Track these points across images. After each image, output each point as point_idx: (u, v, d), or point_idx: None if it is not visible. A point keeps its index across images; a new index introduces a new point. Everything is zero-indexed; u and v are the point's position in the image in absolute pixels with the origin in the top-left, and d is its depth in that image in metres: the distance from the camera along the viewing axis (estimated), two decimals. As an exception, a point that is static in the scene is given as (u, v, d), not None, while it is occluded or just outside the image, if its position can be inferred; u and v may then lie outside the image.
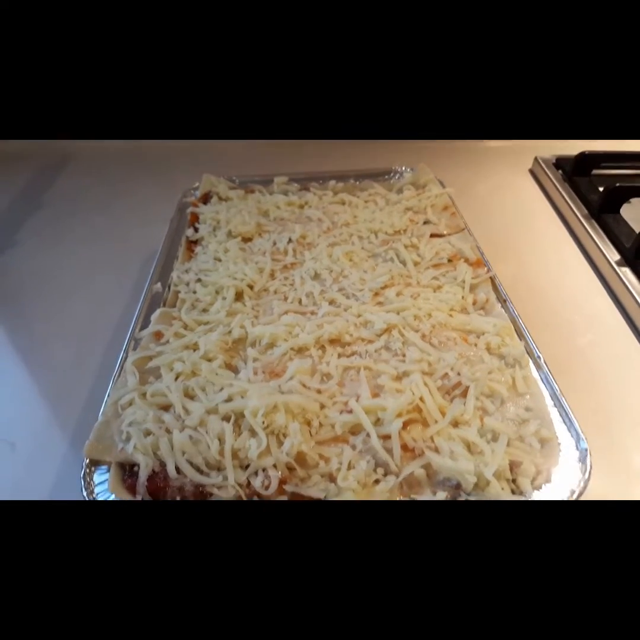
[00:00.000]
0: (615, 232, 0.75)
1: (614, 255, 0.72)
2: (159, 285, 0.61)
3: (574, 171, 0.89)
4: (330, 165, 0.85)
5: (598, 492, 0.42)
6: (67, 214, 0.89)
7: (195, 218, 0.72)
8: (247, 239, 0.70)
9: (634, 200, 0.80)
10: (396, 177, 0.80)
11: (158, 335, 0.54)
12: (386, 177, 0.80)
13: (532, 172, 0.97)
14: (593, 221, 0.79)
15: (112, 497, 0.41)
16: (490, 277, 0.59)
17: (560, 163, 0.93)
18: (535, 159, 0.96)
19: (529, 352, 0.51)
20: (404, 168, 0.80)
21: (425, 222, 0.70)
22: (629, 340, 0.62)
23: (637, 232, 0.72)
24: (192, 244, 0.69)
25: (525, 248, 0.77)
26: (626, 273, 0.69)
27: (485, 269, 0.60)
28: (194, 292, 0.60)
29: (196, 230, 0.71)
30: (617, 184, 0.78)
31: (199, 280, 0.62)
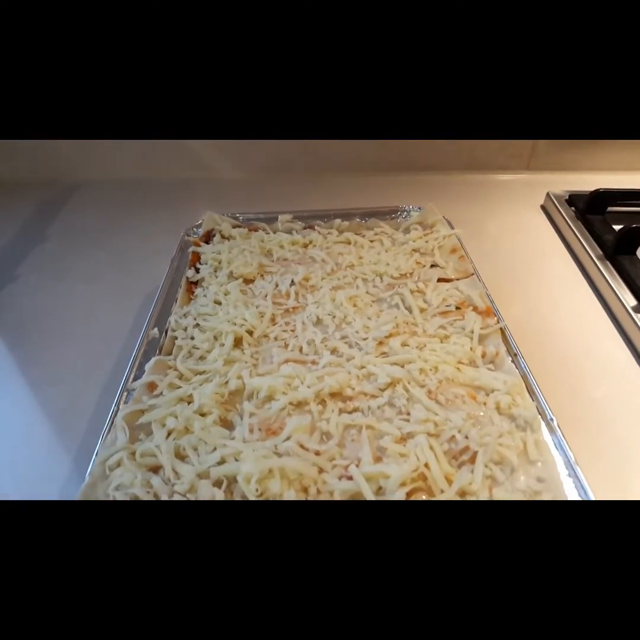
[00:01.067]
0: (632, 275, 0.72)
1: (630, 300, 0.69)
2: (155, 330, 0.59)
3: (588, 209, 0.86)
4: (336, 201, 0.84)
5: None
6: (69, 249, 0.88)
7: (196, 258, 0.71)
8: (248, 281, 0.68)
9: (651, 240, 0.77)
10: (403, 216, 0.78)
11: (152, 386, 0.52)
12: (393, 215, 0.78)
13: (544, 208, 0.95)
14: (608, 263, 0.76)
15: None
16: (501, 328, 0.57)
17: (573, 200, 0.91)
18: (548, 194, 0.94)
19: (541, 413, 0.48)
20: (411, 206, 0.79)
21: (433, 265, 0.68)
22: (647, 393, 0.59)
23: (655, 276, 0.69)
24: (193, 285, 0.67)
25: (536, 292, 0.74)
26: (644, 320, 0.66)
27: (495, 319, 0.58)
28: (192, 338, 0.58)
29: (197, 270, 0.69)
30: (634, 225, 0.75)
31: (197, 325, 0.60)
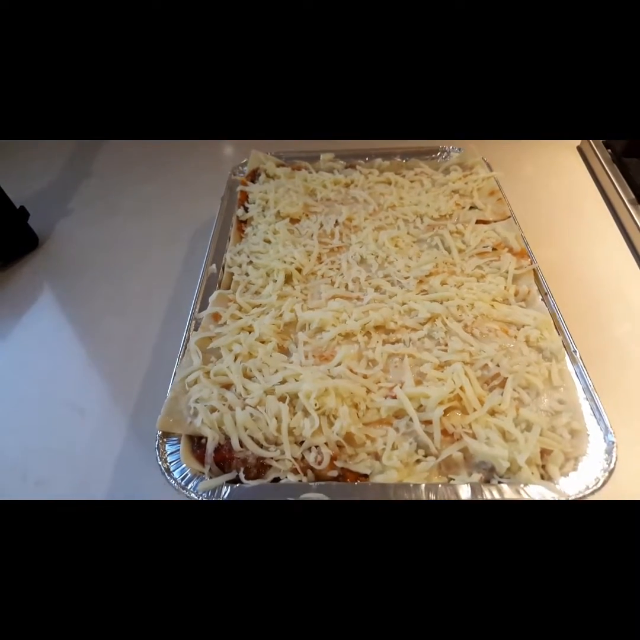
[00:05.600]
0: (662, 220, 0.74)
1: (658, 245, 0.72)
2: (214, 266, 0.65)
3: (625, 152, 0.87)
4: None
5: (622, 482, 0.44)
6: (117, 184, 0.92)
7: (244, 197, 0.75)
8: (295, 220, 0.72)
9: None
10: (443, 156, 0.80)
11: (216, 316, 0.59)
12: (433, 156, 0.80)
13: (580, 149, 0.95)
14: (639, 207, 0.78)
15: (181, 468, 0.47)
16: (534, 269, 0.61)
17: (610, 142, 0.91)
18: (585, 135, 0.94)
19: (566, 346, 0.54)
20: (451, 147, 0.80)
21: (472, 207, 0.71)
22: (666, 333, 0.64)
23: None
24: (242, 223, 0.72)
25: (569, 235, 0.77)
26: (670, 264, 0.69)
27: (529, 260, 0.62)
28: (247, 274, 0.64)
29: (246, 209, 0.73)
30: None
31: (250, 262, 0.65)
